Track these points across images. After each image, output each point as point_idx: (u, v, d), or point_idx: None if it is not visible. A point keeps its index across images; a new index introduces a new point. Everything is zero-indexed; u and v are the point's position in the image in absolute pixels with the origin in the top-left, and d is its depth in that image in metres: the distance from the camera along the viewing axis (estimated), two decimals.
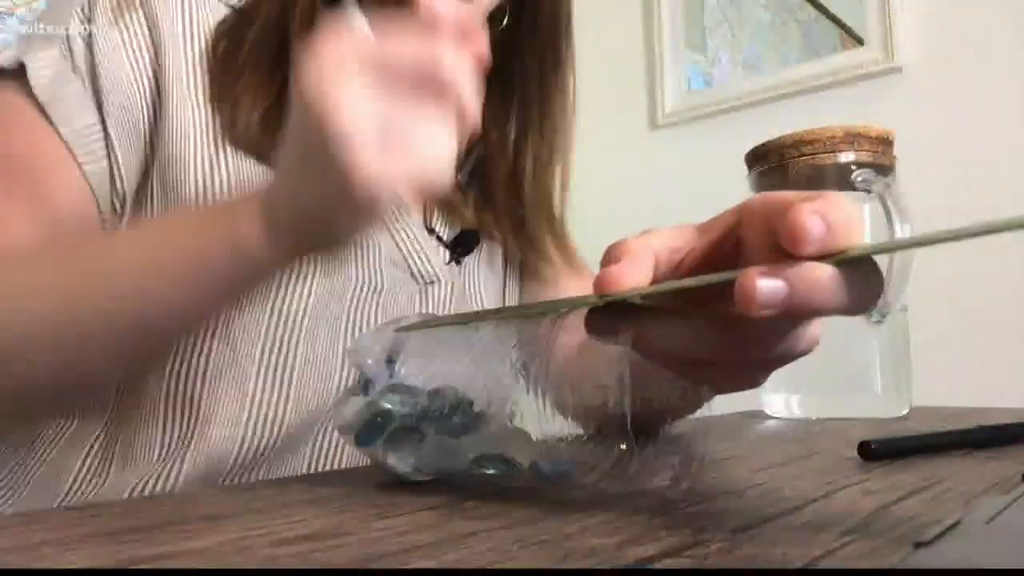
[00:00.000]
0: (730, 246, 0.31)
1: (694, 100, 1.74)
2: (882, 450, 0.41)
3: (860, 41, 1.51)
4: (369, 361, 0.36)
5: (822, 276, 0.25)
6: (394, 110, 0.33)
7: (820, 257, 0.25)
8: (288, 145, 0.36)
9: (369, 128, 0.32)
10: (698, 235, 0.32)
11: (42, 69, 0.50)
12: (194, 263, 0.39)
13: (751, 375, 0.31)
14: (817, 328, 0.30)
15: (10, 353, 0.41)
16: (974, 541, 0.19)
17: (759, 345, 0.30)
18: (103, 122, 0.51)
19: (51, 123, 0.50)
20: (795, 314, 0.26)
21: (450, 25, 0.34)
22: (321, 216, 0.36)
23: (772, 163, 0.65)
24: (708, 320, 0.30)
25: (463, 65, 0.34)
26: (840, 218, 0.25)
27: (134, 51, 0.53)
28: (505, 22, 0.60)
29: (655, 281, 0.30)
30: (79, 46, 0.52)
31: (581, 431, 0.33)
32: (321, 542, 0.25)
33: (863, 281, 0.26)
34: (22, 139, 0.50)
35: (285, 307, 0.54)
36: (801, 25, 1.62)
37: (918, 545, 0.19)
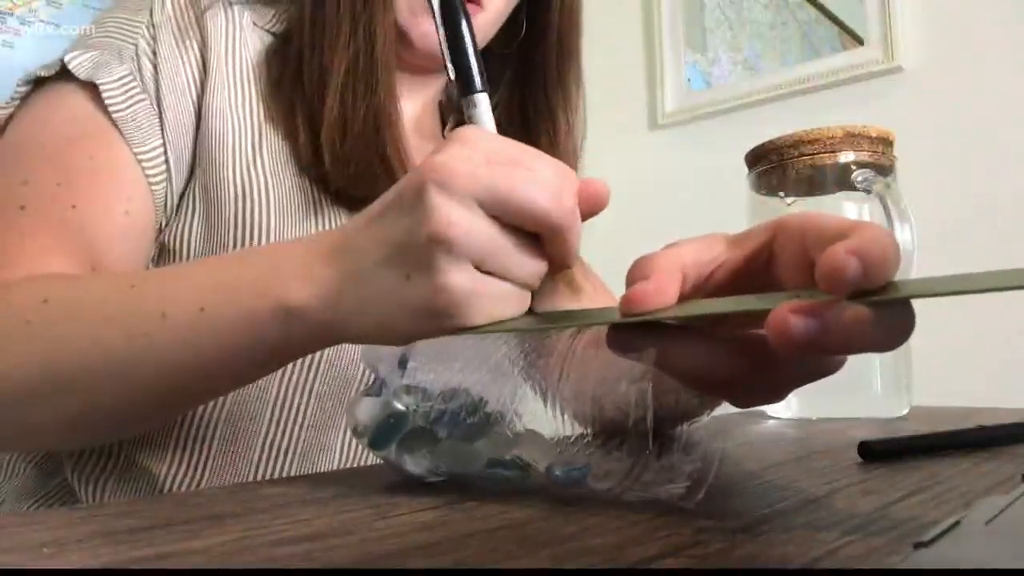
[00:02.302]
0: (762, 262, 0.31)
1: (694, 100, 1.74)
2: (882, 450, 0.41)
3: (860, 41, 1.51)
4: (383, 362, 0.36)
5: (856, 317, 0.24)
6: (502, 231, 0.32)
7: (859, 293, 0.24)
8: (376, 234, 0.33)
9: (473, 245, 0.31)
10: (729, 247, 0.32)
11: (114, 86, 0.52)
12: (243, 321, 0.37)
13: (770, 394, 0.31)
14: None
15: (66, 380, 0.39)
16: (974, 541, 0.19)
17: (783, 369, 0.29)
18: (164, 146, 0.53)
19: (126, 142, 0.51)
20: (827, 352, 0.26)
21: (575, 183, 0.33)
22: (386, 314, 0.33)
23: (772, 163, 0.65)
24: (733, 342, 0.30)
25: (578, 214, 0.33)
26: (877, 257, 0.24)
27: (190, 72, 0.56)
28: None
29: (683, 297, 0.30)
30: (147, 66, 0.54)
31: (594, 431, 0.33)
32: (321, 542, 0.25)
33: (897, 320, 0.25)
34: (104, 146, 0.51)
35: None
36: (801, 25, 1.62)
37: (918, 545, 0.19)
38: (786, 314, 0.25)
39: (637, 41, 1.84)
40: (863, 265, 0.24)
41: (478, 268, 0.31)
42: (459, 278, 0.31)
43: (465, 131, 0.33)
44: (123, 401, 0.40)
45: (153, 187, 0.52)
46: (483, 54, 0.65)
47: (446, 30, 0.42)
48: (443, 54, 0.42)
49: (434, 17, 0.42)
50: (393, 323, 0.33)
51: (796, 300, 0.25)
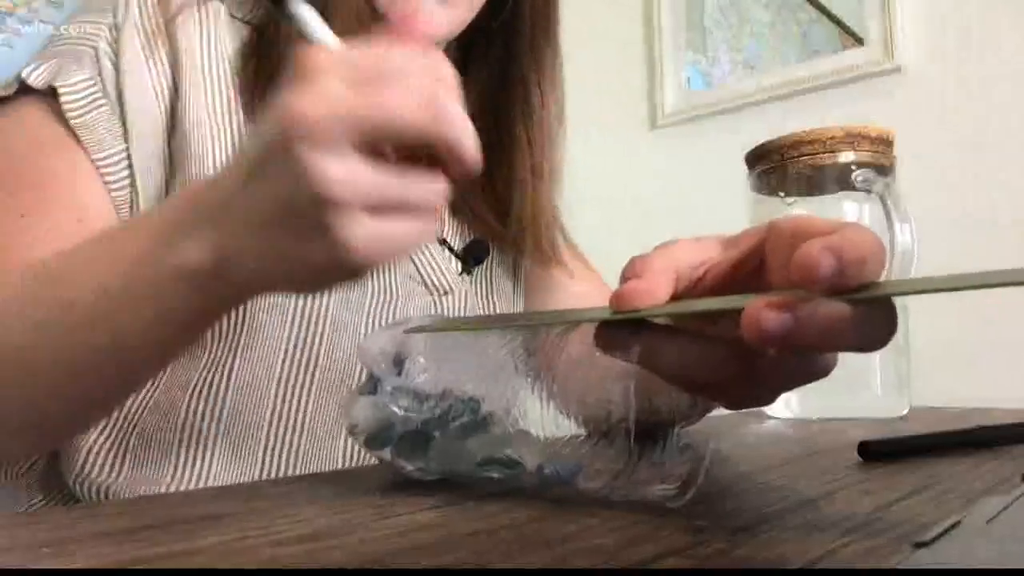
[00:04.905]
0: (754, 264, 0.30)
1: (694, 100, 1.74)
2: (882, 450, 0.41)
3: (860, 41, 1.51)
4: (379, 361, 0.36)
5: (833, 313, 0.24)
6: (385, 167, 0.30)
7: (836, 291, 0.24)
8: (256, 195, 0.31)
9: (360, 195, 0.29)
10: (722, 249, 0.32)
11: (74, 91, 0.51)
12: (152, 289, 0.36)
13: (760, 397, 0.31)
14: (835, 355, 0.29)
15: None
16: (974, 541, 0.19)
17: (769, 370, 0.29)
18: (127, 150, 0.52)
19: (83, 148, 0.50)
20: (803, 349, 0.25)
21: (449, 73, 0.31)
22: (290, 271, 0.33)
23: (772, 163, 0.65)
24: (719, 342, 0.29)
25: (460, 113, 0.30)
26: (855, 256, 0.24)
27: (158, 77, 0.54)
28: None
29: (675, 297, 0.30)
30: (108, 70, 0.52)
31: (587, 431, 0.33)
32: (321, 542, 0.25)
33: (878, 320, 0.25)
34: (57, 156, 0.51)
35: (305, 319, 0.55)
36: (801, 25, 1.62)
37: (918, 545, 0.19)
38: (760, 308, 0.24)
39: (637, 41, 1.84)
40: (838, 261, 0.24)
41: (373, 210, 0.30)
42: (355, 232, 0.29)
43: (311, 58, 0.30)
44: (36, 398, 0.40)
45: (114, 192, 0.51)
46: (468, 32, 0.62)
47: None
48: None
49: None
50: (301, 278, 0.33)
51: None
